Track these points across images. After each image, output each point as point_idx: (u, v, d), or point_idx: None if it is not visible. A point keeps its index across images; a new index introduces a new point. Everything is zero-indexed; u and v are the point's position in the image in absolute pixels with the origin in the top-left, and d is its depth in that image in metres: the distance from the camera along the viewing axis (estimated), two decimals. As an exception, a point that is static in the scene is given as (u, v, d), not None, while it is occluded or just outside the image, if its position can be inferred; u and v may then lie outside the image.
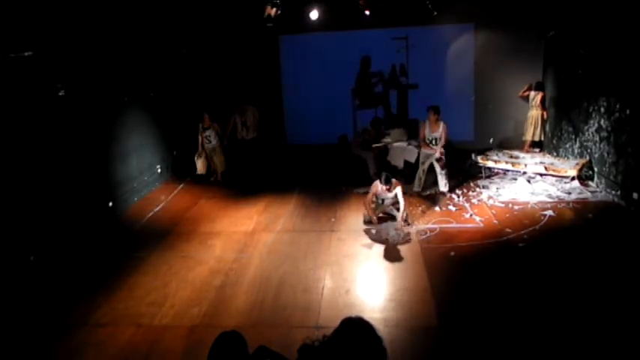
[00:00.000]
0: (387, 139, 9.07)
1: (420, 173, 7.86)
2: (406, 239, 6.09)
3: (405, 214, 6.53)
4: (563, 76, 8.99)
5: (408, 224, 6.52)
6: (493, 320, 4.26)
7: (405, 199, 6.54)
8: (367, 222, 6.67)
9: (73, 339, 4.30)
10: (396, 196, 6.50)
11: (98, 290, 5.16)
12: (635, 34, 6.34)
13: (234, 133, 9.18)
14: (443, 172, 7.68)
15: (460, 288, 4.90)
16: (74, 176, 6.35)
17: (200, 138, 8.96)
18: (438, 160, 7.61)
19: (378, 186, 6.41)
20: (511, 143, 10.02)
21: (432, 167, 7.76)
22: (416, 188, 7.86)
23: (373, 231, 6.40)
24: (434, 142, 7.57)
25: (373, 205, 6.65)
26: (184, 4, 8.93)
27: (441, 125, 7.54)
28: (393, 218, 6.66)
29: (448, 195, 7.68)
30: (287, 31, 10.43)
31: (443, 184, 7.73)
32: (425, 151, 7.76)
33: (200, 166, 9.01)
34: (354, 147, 9.18)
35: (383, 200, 6.71)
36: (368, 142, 8.99)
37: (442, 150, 7.56)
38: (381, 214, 6.77)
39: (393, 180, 6.37)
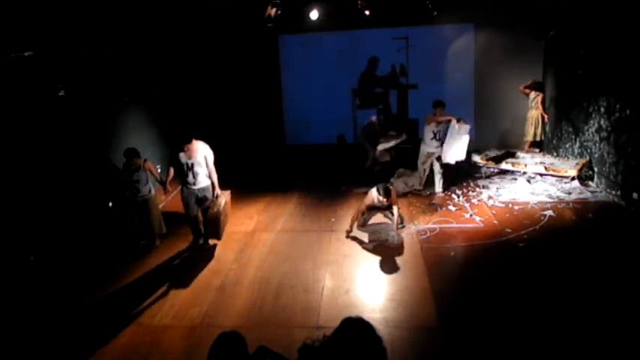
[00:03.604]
0: (391, 141, 8.66)
1: (421, 172, 7.87)
2: (402, 239, 6.06)
3: (399, 220, 6.14)
4: (563, 76, 8.99)
5: (403, 226, 6.35)
6: (493, 320, 4.26)
7: (398, 206, 6.14)
8: (361, 226, 6.40)
9: (74, 339, 4.30)
10: (390, 204, 5.98)
11: (98, 290, 5.17)
12: (635, 34, 6.34)
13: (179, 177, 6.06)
14: (442, 171, 7.71)
15: (460, 288, 4.90)
16: (74, 176, 6.34)
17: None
18: (439, 158, 7.63)
19: (375, 197, 5.82)
20: (511, 143, 10.02)
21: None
22: (417, 186, 7.93)
23: (371, 231, 6.38)
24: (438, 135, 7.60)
25: (363, 217, 6.25)
26: (184, 4, 8.93)
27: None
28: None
29: (444, 194, 7.70)
30: (287, 31, 10.42)
31: (438, 184, 7.76)
32: (427, 149, 7.71)
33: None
34: (362, 135, 9.06)
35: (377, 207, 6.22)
36: (373, 133, 8.83)
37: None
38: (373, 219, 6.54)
39: (392, 189, 5.96)
